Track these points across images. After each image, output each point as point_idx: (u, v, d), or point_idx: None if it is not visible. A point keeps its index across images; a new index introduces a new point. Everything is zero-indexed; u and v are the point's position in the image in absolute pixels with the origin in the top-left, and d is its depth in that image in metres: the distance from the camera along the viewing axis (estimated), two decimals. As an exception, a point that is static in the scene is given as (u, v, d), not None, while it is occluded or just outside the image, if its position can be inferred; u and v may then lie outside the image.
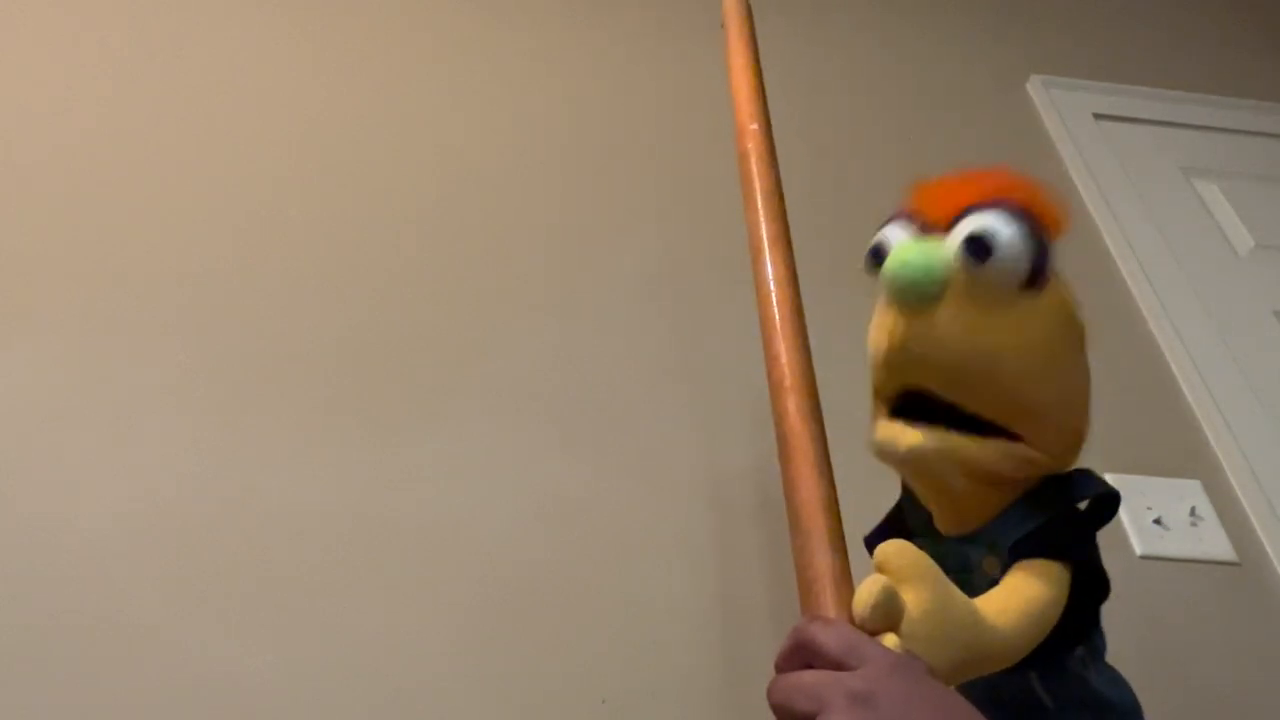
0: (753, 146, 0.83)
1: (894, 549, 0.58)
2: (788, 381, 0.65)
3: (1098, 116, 1.78)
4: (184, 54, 1.51)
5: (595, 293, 1.35)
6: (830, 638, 0.52)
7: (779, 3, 1.86)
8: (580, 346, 1.29)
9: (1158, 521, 1.26)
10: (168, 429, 1.13)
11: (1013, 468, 0.66)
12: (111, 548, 1.03)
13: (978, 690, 0.66)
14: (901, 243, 0.66)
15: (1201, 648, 1.17)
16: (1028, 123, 1.77)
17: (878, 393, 0.71)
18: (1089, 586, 0.67)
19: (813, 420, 0.63)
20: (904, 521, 0.75)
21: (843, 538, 0.59)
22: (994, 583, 0.65)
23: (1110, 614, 1.16)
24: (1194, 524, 1.26)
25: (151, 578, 1.02)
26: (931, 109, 1.74)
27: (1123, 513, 1.26)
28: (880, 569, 0.57)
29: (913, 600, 0.56)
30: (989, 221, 0.64)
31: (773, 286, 0.71)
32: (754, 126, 0.82)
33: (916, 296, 0.64)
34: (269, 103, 1.48)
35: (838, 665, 0.51)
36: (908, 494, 0.75)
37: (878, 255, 0.68)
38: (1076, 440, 0.70)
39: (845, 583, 0.56)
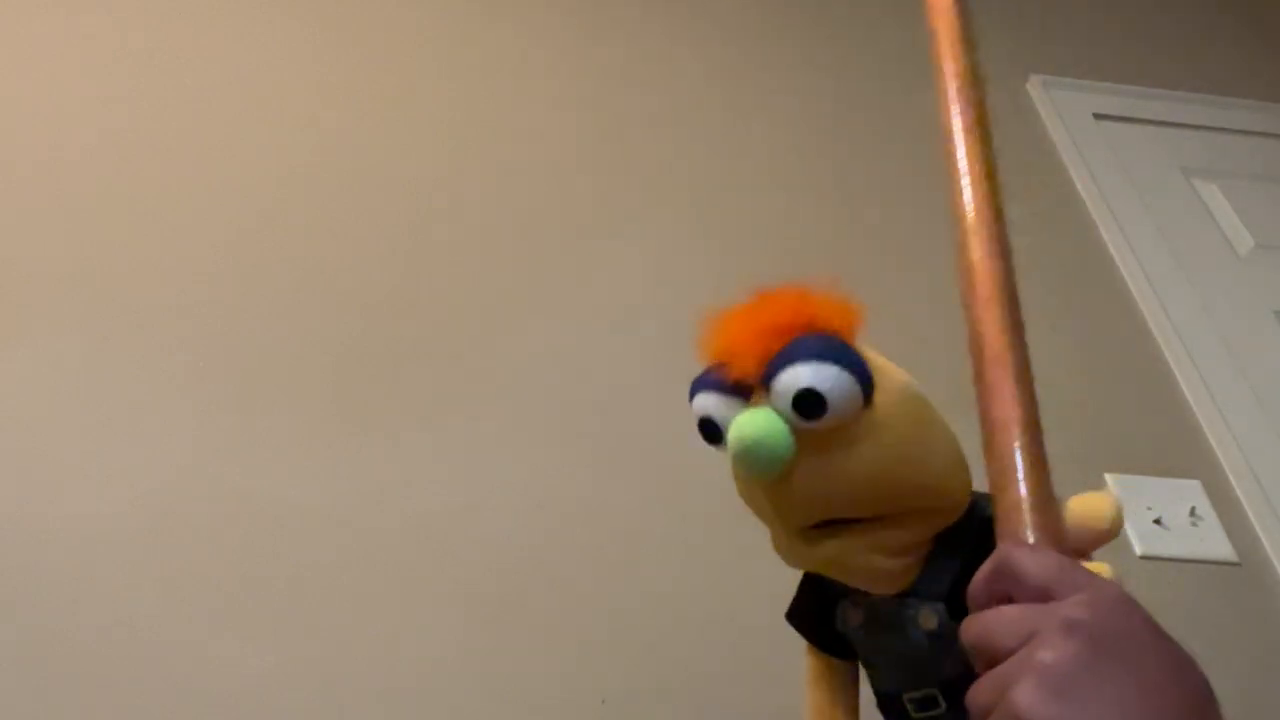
0: (942, 26, 0.77)
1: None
2: (985, 291, 0.60)
3: (1098, 116, 1.78)
4: (187, 55, 1.51)
5: (596, 293, 1.35)
6: (1036, 564, 0.45)
7: (779, 2, 1.86)
8: (580, 346, 1.29)
9: (1158, 521, 1.26)
10: (167, 429, 1.13)
11: (919, 531, 0.68)
12: (111, 548, 1.03)
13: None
14: (736, 420, 0.65)
15: (1201, 648, 1.16)
16: (1028, 123, 1.77)
17: (781, 533, 0.71)
18: None
19: (1013, 332, 0.58)
20: (825, 585, 0.74)
21: (1044, 461, 0.53)
22: (931, 634, 0.66)
23: (1110, 614, 1.16)
24: (1194, 524, 1.26)
25: (151, 578, 1.02)
26: (931, 109, 1.74)
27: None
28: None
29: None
30: (807, 375, 0.63)
31: (968, 188, 0.67)
32: (945, 2, 0.78)
33: (770, 471, 0.64)
34: (270, 104, 1.48)
35: (1045, 595, 0.44)
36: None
37: (709, 430, 0.68)
38: (963, 481, 0.70)
39: (1049, 508, 0.51)
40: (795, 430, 0.63)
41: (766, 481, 0.66)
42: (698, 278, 1.39)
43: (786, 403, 0.63)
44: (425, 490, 1.13)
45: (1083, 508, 0.53)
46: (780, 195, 1.53)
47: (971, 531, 0.68)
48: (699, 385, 0.70)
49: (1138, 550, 1.23)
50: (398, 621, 1.04)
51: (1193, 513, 1.27)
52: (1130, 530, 1.24)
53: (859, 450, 0.64)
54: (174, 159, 1.38)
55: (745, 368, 0.65)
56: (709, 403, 0.68)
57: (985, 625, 0.45)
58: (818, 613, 0.75)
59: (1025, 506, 0.50)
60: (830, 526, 0.67)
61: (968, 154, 0.68)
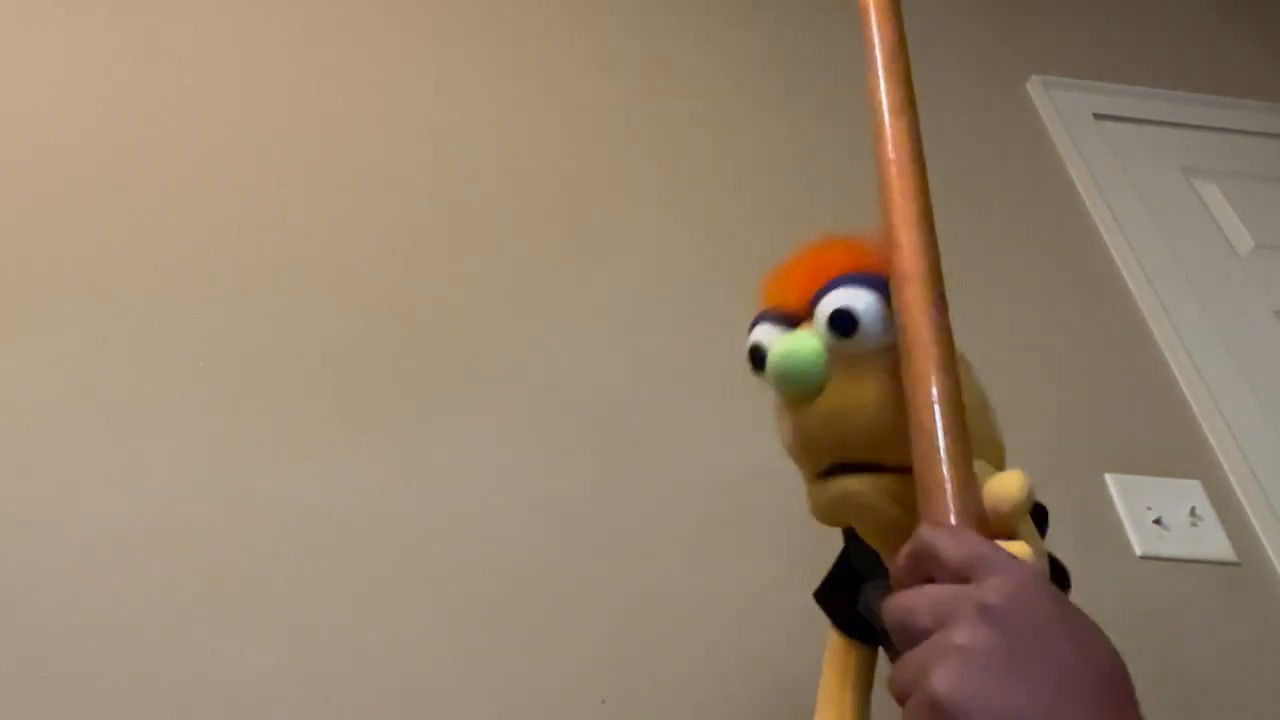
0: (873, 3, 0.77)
1: (983, 464, 0.56)
2: (909, 268, 0.61)
3: (1098, 116, 1.78)
4: (186, 54, 1.51)
5: (596, 293, 1.35)
6: (954, 545, 0.47)
7: (777, 1, 1.86)
8: (581, 346, 1.29)
9: (1158, 521, 1.26)
10: (167, 429, 1.13)
11: None
12: (111, 547, 1.03)
13: None
14: (774, 340, 0.69)
15: (1201, 648, 1.17)
16: (1028, 123, 1.77)
17: (808, 474, 0.73)
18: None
19: (935, 310, 0.59)
20: (851, 568, 0.76)
21: (968, 443, 0.54)
22: None
23: (1110, 614, 1.16)
24: (1194, 524, 1.26)
25: (151, 578, 1.02)
26: (931, 109, 1.73)
27: (1123, 513, 1.26)
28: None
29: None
30: (845, 296, 0.67)
31: (894, 164, 0.68)
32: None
33: (804, 388, 0.67)
34: (269, 104, 1.48)
35: (961, 576, 0.45)
36: (853, 538, 0.76)
37: (757, 357, 0.71)
38: (997, 451, 0.72)
39: (969, 490, 0.51)
40: (830, 352, 0.66)
41: (798, 404, 0.68)
42: (698, 278, 1.39)
43: (823, 322, 0.67)
44: (425, 490, 1.13)
45: (994, 488, 0.54)
46: (782, 195, 1.53)
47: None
48: (756, 320, 0.73)
49: (1138, 550, 1.23)
50: (397, 621, 1.04)
51: (1193, 513, 1.27)
52: (1130, 530, 1.24)
53: (890, 376, 0.66)
54: (174, 159, 1.38)
55: (797, 301, 0.70)
56: (759, 332, 0.72)
57: (905, 606, 0.46)
58: (844, 594, 0.76)
59: (947, 488, 0.51)
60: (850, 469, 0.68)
61: (893, 135, 0.70)
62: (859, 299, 0.66)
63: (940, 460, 0.53)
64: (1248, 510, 1.29)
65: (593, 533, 1.13)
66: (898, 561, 0.50)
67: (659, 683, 1.03)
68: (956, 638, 0.43)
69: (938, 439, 0.54)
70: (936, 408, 0.55)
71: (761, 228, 1.46)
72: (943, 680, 0.41)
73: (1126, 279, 1.55)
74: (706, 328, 1.33)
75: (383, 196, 1.40)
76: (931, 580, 0.47)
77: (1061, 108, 1.77)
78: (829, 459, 0.69)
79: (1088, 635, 0.44)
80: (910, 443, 0.56)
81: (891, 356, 0.67)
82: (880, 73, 0.74)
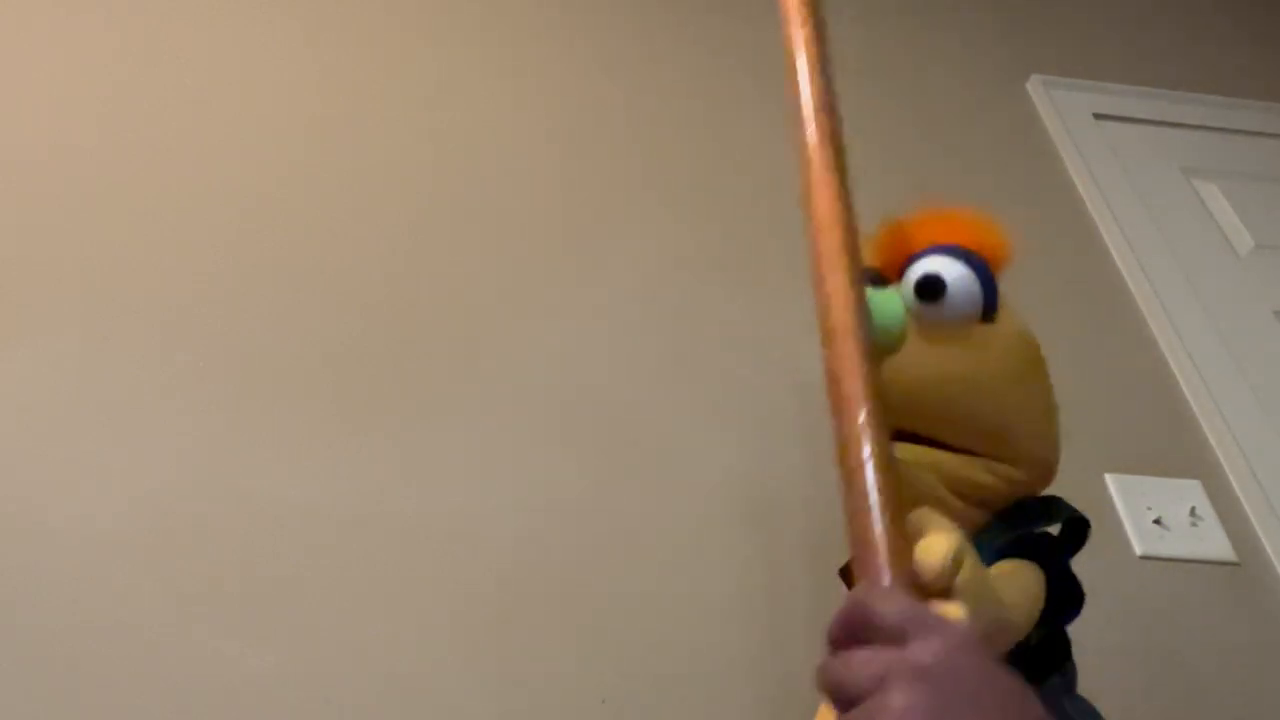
0: (792, 4, 0.77)
1: (927, 514, 0.57)
2: (839, 326, 0.60)
3: (1098, 116, 1.78)
4: (187, 53, 1.51)
5: (596, 292, 1.35)
6: (888, 608, 0.48)
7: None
8: (581, 346, 1.29)
9: (1158, 521, 1.26)
10: (167, 429, 1.13)
11: (995, 484, 0.69)
12: (111, 548, 1.03)
13: None
14: None
15: (1201, 648, 1.17)
16: (1028, 123, 1.77)
17: None
18: (1063, 603, 0.69)
19: (867, 365, 0.59)
20: None
21: (899, 498, 0.55)
22: None
23: (1110, 614, 1.16)
24: (1194, 524, 1.26)
25: (152, 578, 1.02)
26: (931, 109, 1.74)
27: (1123, 513, 1.26)
28: (917, 531, 0.56)
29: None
30: (937, 264, 0.68)
31: (821, 225, 0.66)
32: (804, 31, 0.79)
33: (881, 344, 0.67)
34: (270, 104, 1.48)
35: (897, 639, 0.47)
36: None
37: None
38: (1048, 463, 0.73)
39: (900, 547, 0.52)
40: (913, 315, 0.67)
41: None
42: (698, 278, 1.39)
43: (910, 285, 0.68)
44: (425, 490, 1.13)
45: (919, 555, 0.54)
46: (782, 194, 1.53)
47: (1031, 523, 0.69)
48: None
49: (1138, 550, 1.23)
50: (397, 621, 1.04)
51: (1193, 513, 1.27)
52: (1130, 530, 1.25)
53: (963, 353, 0.67)
54: (173, 159, 1.38)
55: (891, 264, 0.71)
56: None
57: (840, 668, 0.47)
58: None
59: (880, 549, 0.52)
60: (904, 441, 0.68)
61: (823, 197, 0.67)
62: (950, 269, 0.67)
63: (873, 521, 0.53)
64: (1248, 510, 1.29)
65: (592, 533, 1.13)
66: (831, 622, 0.50)
67: (659, 683, 1.03)
68: (892, 701, 0.44)
69: (870, 499, 0.54)
70: (869, 467, 0.54)
71: (762, 227, 1.46)
72: None
73: (1126, 279, 1.55)
74: (706, 328, 1.33)
75: (382, 196, 1.40)
76: (865, 640, 0.48)
77: (1061, 108, 1.77)
78: (891, 424, 0.69)
79: (1016, 692, 0.46)
80: (843, 503, 0.55)
81: (972, 333, 0.68)
82: (810, 132, 0.72)
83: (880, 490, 0.54)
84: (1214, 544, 1.25)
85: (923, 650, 0.45)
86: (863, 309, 0.60)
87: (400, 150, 1.46)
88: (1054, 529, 0.73)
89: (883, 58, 1.82)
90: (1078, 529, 0.72)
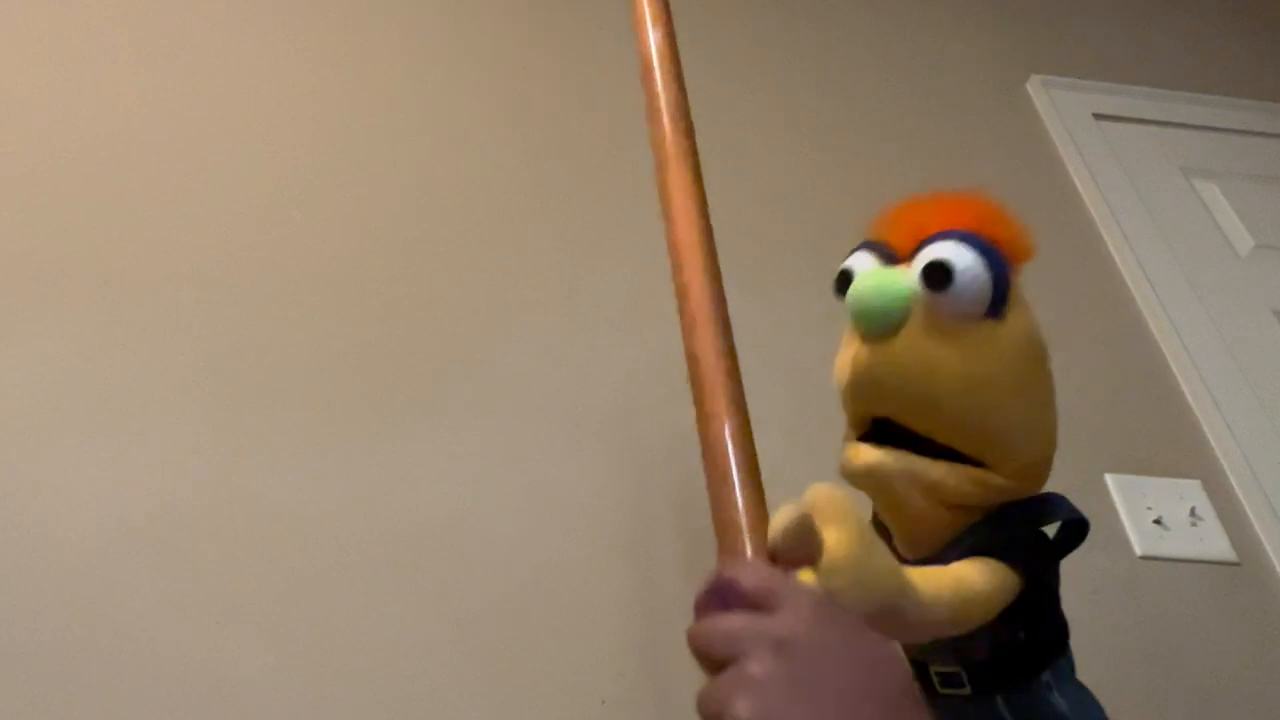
0: (656, 57, 0.80)
1: (824, 490, 0.58)
2: (699, 314, 0.62)
3: (1098, 116, 1.78)
4: (189, 55, 1.51)
5: (597, 294, 1.35)
6: (748, 578, 0.51)
7: (777, 2, 1.86)
8: (582, 347, 1.29)
9: (1158, 521, 1.26)
10: (168, 430, 1.13)
11: (978, 493, 0.67)
12: (113, 548, 1.03)
13: (946, 716, 0.66)
14: (865, 271, 0.67)
15: (1201, 648, 1.17)
16: (1028, 123, 1.76)
17: (849, 420, 0.72)
18: (1048, 614, 0.67)
19: (726, 357, 0.61)
20: None
21: (758, 477, 0.56)
22: None
23: (1110, 614, 1.16)
24: (1194, 524, 1.26)
25: (152, 578, 1.02)
26: (931, 109, 1.74)
27: (1123, 513, 1.26)
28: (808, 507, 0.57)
29: (834, 539, 0.55)
30: (948, 250, 0.64)
31: (682, 218, 0.67)
32: (657, 34, 0.80)
33: (878, 325, 0.65)
34: (272, 105, 1.48)
35: (756, 607, 0.49)
36: (878, 523, 0.75)
37: (843, 283, 0.69)
38: (1041, 466, 0.70)
39: (763, 525, 0.54)
40: (917, 300, 0.64)
41: (869, 340, 0.66)
42: (698, 278, 1.39)
43: (919, 268, 0.64)
44: (426, 492, 1.13)
45: (770, 524, 0.54)
46: (783, 193, 1.53)
47: (1015, 524, 0.67)
48: (858, 247, 0.71)
49: (1138, 550, 1.23)
50: (397, 622, 1.04)
51: (1193, 513, 1.27)
52: (1130, 530, 1.25)
53: (962, 351, 0.64)
54: (179, 162, 1.38)
55: (902, 242, 0.67)
56: (855, 261, 0.69)
57: (704, 636, 0.50)
58: None
59: (743, 524, 0.54)
60: (884, 437, 0.67)
61: (681, 193, 0.68)
62: (962, 257, 0.64)
63: (735, 497, 0.55)
64: (1248, 510, 1.29)
65: (593, 533, 1.13)
66: (698, 592, 0.52)
67: (659, 683, 1.03)
68: (751, 668, 0.46)
69: (732, 476, 0.55)
70: (730, 446, 0.56)
71: (762, 227, 1.46)
72: (741, 711, 0.45)
73: (1126, 279, 1.55)
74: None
75: (382, 199, 1.40)
76: (729, 609, 0.50)
77: (1061, 108, 1.77)
78: (874, 409, 0.67)
79: (874, 654, 0.48)
80: (707, 482, 0.57)
81: (975, 330, 0.64)
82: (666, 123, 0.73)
83: (740, 468, 0.56)
84: (1214, 544, 1.25)
85: (779, 621, 0.48)
86: (719, 296, 0.62)
87: (400, 153, 1.46)
88: (1050, 528, 0.71)
89: (883, 58, 1.82)
90: (1074, 530, 0.71)
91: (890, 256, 0.68)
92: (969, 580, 0.63)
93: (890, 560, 0.59)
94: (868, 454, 0.67)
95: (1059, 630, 0.70)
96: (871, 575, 0.56)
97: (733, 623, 0.49)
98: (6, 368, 1.14)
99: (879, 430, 0.69)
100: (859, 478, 0.69)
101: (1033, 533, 0.69)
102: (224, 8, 1.57)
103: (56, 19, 1.50)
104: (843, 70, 1.78)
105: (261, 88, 1.49)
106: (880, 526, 0.73)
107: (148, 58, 1.49)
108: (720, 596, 0.51)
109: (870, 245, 0.70)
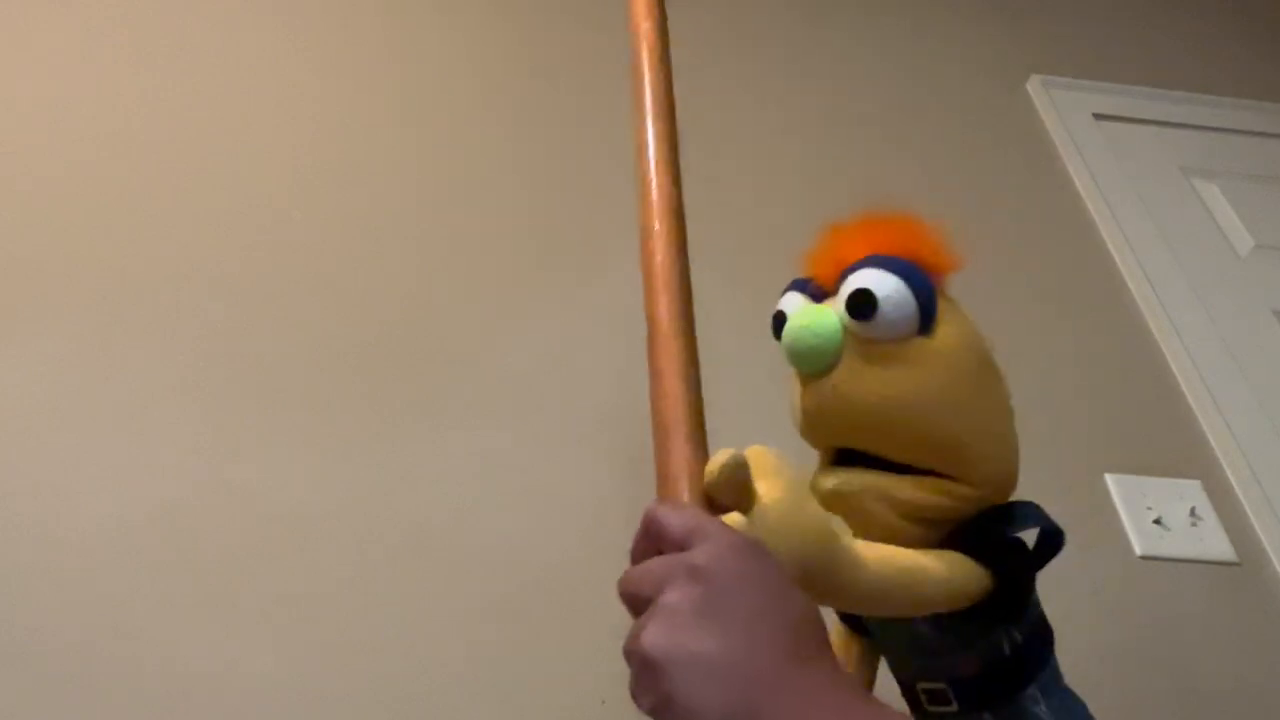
0: (644, 47, 0.80)
1: (761, 448, 0.59)
2: (660, 281, 0.65)
3: (1098, 116, 1.78)
4: (189, 55, 1.51)
5: (596, 295, 1.35)
6: (675, 519, 0.52)
7: (777, 2, 1.86)
8: (584, 347, 1.29)
9: (1158, 521, 1.26)
10: (168, 430, 1.13)
11: (947, 504, 0.67)
12: (112, 548, 1.03)
13: None
14: (795, 311, 0.68)
15: (1201, 648, 1.17)
16: (1028, 123, 1.77)
17: (819, 455, 0.72)
18: (1032, 623, 0.67)
19: (680, 318, 0.63)
20: None
21: (703, 433, 0.58)
22: (932, 625, 0.67)
23: (1110, 614, 1.16)
24: (1194, 524, 1.26)
25: (152, 578, 1.02)
26: (931, 109, 1.74)
27: (1123, 513, 1.26)
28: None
29: (766, 488, 0.57)
30: (869, 279, 0.65)
31: (654, 188, 0.69)
32: (646, 25, 0.81)
33: (814, 363, 0.66)
34: (272, 105, 1.48)
35: (682, 546, 0.50)
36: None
37: (778, 324, 0.70)
38: (1007, 472, 0.70)
39: (700, 474, 0.56)
40: (848, 332, 0.65)
41: (808, 379, 0.67)
42: (699, 279, 1.39)
43: (843, 301, 0.65)
44: (426, 492, 1.13)
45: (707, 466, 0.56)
46: (782, 193, 1.53)
47: (984, 525, 0.67)
48: (788, 288, 0.72)
49: (1138, 550, 1.23)
50: (398, 622, 1.04)
51: (1193, 513, 1.27)
52: (1130, 530, 1.24)
53: (901, 372, 0.65)
54: (180, 162, 1.38)
55: (828, 275, 0.68)
56: (786, 300, 0.71)
57: (631, 579, 0.51)
58: None
59: (683, 471, 0.56)
60: (851, 464, 0.67)
61: (656, 165, 0.71)
62: (882, 284, 0.65)
63: (678, 448, 0.57)
64: (1248, 510, 1.29)
65: (593, 533, 1.13)
66: (634, 540, 0.54)
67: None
68: (667, 597, 0.47)
69: (676, 431, 0.58)
70: (678, 404, 0.59)
71: (761, 227, 1.46)
72: (648, 634, 0.46)
73: (1126, 279, 1.55)
74: (706, 327, 1.32)
75: (382, 200, 1.40)
76: (660, 553, 0.51)
77: (1061, 108, 1.77)
78: (832, 441, 0.68)
79: (784, 589, 0.49)
80: (652, 434, 0.60)
81: (909, 349, 0.65)
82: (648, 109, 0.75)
83: (685, 420, 0.58)
84: (1214, 544, 1.25)
85: (698, 553, 0.49)
86: (681, 267, 0.65)
87: (398, 154, 1.46)
88: (1028, 538, 0.71)
89: (883, 58, 1.82)
90: (1050, 540, 0.70)
91: (818, 292, 0.69)
92: (925, 560, 0.63)
93: (822, 518, 0.59)
94: (833, 476, 0.68)
95: (1043, 641, 0.70)
96: (799, 525, 0.57)
97: (657, 562, 0.50)
98: (6, 368, 1.14)
99: (845, 458, 0.70)
100: (828, 500, 0.69)
101: (1004, 533, 0.68)
102: (224, 8, 1.57)
103: (56, 19, 1.50)
104: (843, 70, 1.78)
105: (261, 88, 1.49)
106: None
107: (148, 58, 1.49)
108: (650, 541, 0.53)
109: (798, 284, 0.71)
